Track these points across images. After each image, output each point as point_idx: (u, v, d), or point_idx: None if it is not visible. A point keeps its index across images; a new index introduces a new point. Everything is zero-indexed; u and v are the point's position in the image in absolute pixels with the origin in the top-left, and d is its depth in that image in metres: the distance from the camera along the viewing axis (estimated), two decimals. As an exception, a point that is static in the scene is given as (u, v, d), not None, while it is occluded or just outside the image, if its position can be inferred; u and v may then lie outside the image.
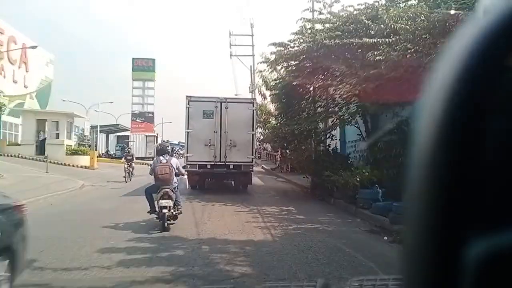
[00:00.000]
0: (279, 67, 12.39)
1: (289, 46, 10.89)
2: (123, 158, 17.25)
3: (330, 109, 12.35)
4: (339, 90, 8.88)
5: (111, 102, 34.05)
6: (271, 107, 23.98)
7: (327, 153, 12.92)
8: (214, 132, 12.04)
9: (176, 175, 7.19)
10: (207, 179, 12.55)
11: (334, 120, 12.47)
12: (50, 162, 17.44)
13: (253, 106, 12.66)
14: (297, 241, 6.10)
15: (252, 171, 12.65)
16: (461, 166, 0.36)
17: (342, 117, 11.71)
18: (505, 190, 0.35)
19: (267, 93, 22.41)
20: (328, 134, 13.08)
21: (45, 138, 22.57)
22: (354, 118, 11.27)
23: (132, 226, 6.91)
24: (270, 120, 21.19)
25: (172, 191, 6.84)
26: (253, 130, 12.47)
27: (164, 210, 6.53)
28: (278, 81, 14.04)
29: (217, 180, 12.67)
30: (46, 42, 59.01)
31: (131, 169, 16.51)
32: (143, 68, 60.75)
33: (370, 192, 8.76)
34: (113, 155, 29.86)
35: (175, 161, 7.34)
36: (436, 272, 0.37)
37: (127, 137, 36.80)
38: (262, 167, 24.86)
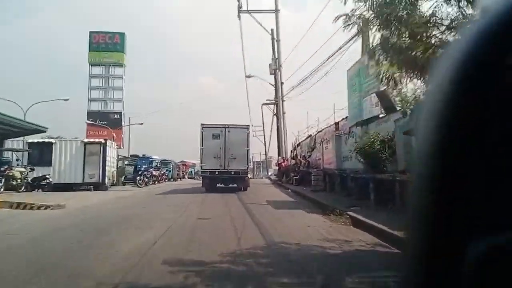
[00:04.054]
0: None
1: None
2: None
3: None
4: None
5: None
6: None
7: None
8: (220, 148, 17.17)
9: None
10: (217, 183, 17.52)
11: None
12: None
13: (248, 130, 17.97)
14: None
15: (247, 176, 18.11)
16: (462, 166, 0.38)
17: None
18: (505, 190, 0.36)
19: None
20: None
21: None
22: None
23: None
24: None
25: None
26: (247, 147, 17.57)
27: None
28: None
29: (225, 184, 17.59)
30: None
31: None
32: (106, 46, 43.12)
33: None
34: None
35: None
36: (438, 271, 0.39)
37: (49, 145, 20.08)
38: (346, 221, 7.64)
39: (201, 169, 17.82)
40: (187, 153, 76.68)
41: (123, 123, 36.57)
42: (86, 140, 21.27)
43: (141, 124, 34.54)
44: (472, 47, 0.38)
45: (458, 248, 0.36)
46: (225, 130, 17.26)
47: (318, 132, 20.00)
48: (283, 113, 27.23)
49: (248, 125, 18.86)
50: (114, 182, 22.97)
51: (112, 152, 22.53)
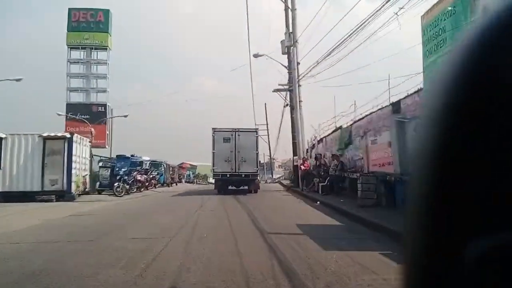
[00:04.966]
0: None
1: None
2: None
3: None
4: None
5: None
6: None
7: None
8: (231, 151, 18.24)
9: None
10: (229, 185, 18.58)
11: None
12: None
13: (256, 134, 19.45)
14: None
15: (257, 178, 19.08)
16: (462, 165, 0.39)
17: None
18: (505, 190, 0.36)
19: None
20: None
21: None
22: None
23: None
24: None
25: None
26: (257, 150, 18.66)
27: None
28: None
29: (236, 186, 18.72)
30: None
31: None
32: (88, 26, 37.46)
33: None
34: None
35: None
36: (437, 270, 0.39)
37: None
38: None
39: (213, 172, 18.82)
40: (187, 155, 71.89)
41: (106, 117, 31.68)
42: (45, 134, 16.19)
43: (126, 116, 29.37)
44: (473, 47, 0.38)
45: (458, 248, 0.37)
46: (235, 134, 18.35)
47: (356, 121, 14.84)
48: (300, 101, 22.09)
49: (257, 129, 20.96)
50: (87, 189, 18.01)
51: (82, 151, 17.50)
